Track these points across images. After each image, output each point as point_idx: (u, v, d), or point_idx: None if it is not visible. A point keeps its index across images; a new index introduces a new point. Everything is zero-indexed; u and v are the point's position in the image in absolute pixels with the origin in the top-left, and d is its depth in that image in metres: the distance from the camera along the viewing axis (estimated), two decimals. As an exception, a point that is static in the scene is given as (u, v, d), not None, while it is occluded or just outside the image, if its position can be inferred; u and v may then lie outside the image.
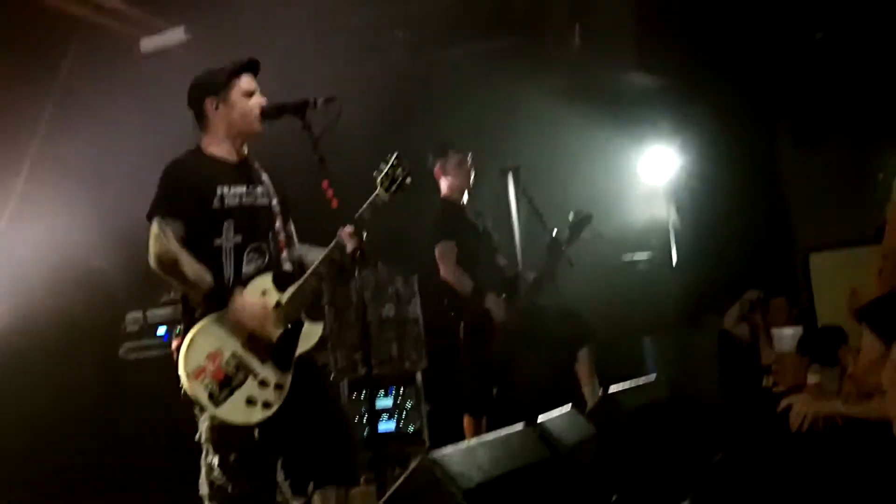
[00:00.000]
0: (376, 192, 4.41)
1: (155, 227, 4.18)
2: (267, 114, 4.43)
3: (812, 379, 5.14)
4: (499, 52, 8.44)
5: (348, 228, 4.28)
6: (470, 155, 6.81)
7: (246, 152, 4.49)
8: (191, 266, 4.15)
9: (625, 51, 8.28)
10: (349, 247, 4.27)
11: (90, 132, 7.71)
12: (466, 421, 6.61)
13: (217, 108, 4.41)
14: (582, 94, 8.31)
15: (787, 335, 5.35)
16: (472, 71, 8.31)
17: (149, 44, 7.76)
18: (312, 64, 7.63)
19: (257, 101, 4.43)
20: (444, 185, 6.82)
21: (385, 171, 4.42)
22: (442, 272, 6.59)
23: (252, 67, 4.49)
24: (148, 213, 4.24)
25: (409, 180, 4.44)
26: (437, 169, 6.81)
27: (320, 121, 4.36)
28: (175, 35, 7.70)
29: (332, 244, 4.32)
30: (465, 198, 6.83)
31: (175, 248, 4.15)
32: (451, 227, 6.65)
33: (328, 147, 4.34)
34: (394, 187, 4.41)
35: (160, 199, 4.25)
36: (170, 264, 4.14)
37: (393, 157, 4.44)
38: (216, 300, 4.18)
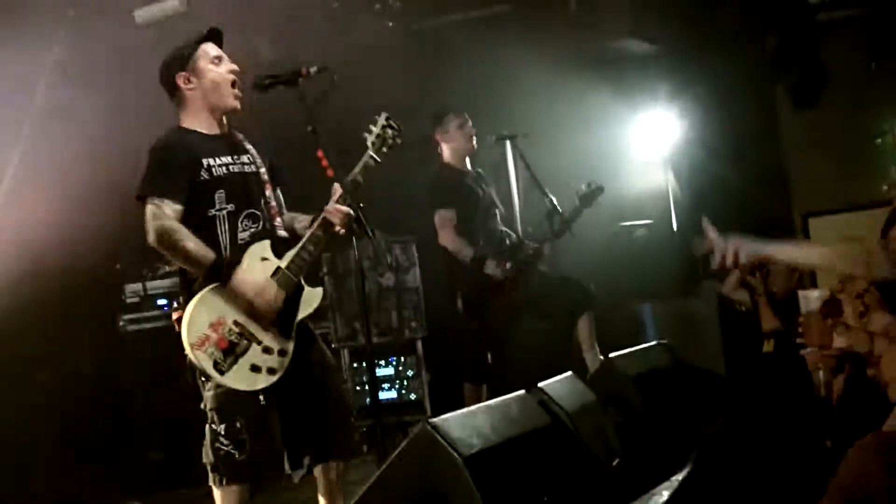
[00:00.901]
0: (367, 153, 4.43)
1: (151, 207, 4.17)
2: (258, 85, 4.43)
3: (838, 342, 5.14)
4: (494, 20, 8.39)
5: (335, 205, 4.30)
6: (469, 119, 6.78)
7: (227, 125, 4.48)
8: (193, 242, 4.15)
9: (621, 17, 8.24)
10: (336, 225, 4.29)
11: (86, 101, 7.69)
12: (467, 388, 6.61)
13: (189, 81, 4.38)
14: (578, 61, 8.27)
15: (813, 296, 5.37)
16: (466, 39, 8.26)
17: (144, 14, 7.72)
18: (307, 31, 7.60)
19: (227, 67, 4.41)
20: (446, 150, 6.78)
21: (375, 132, 4.46)
22: (440, 239, 6.58)
23: (214, 37, 4.47)
24: (139, 194, 4.23)
25: (399, 140, 4.49)
26: (437, 135, 6.78)
27: (313, 90, 4.36)
28: (170, 5, 7.66)
29: (323, 213, 4.33)
30: (468, 163, 6.79)
31: (175, 225, 4.15)
32: (451, 193, 6.63)
33: (321, 116, 4.33)
34: (384, 148, 4.46)
35: (151, 179, 4.24)
36: (171, 242, 4.13)
37: (382, 118, 4.48)
38: (216, 272, 4.17)
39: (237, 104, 4.41)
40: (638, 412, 4.96)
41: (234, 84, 4.40)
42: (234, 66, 4.42)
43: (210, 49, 4.41)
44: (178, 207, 4.19)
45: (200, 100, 4.39)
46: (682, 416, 5.40)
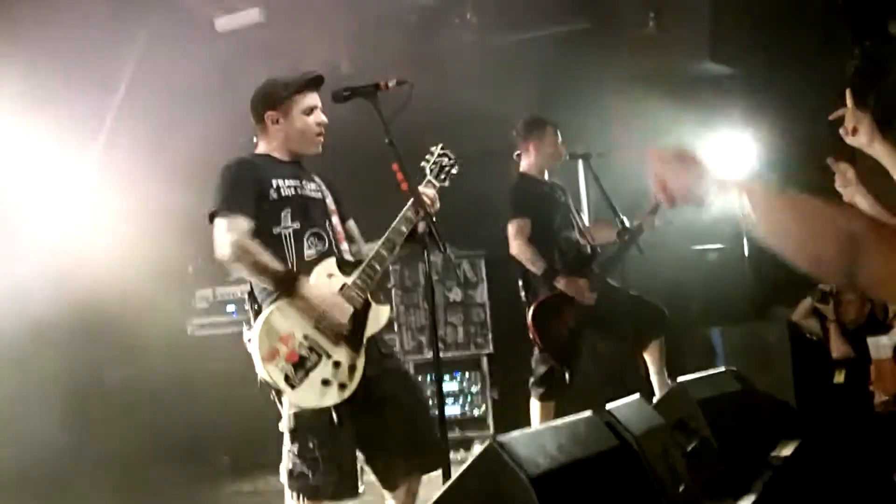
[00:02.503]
0: (426, 179, 4.54)
1: (224, 222, 4.22)
2: (337, 96, 4.44)
3: None
4: (570, 36, 8.37)
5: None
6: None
7: (299, 157, 4.57)
8: (263, 255, 4.19)
9: (698, 39, 8.18)
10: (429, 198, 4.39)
11: (164, 105, 7.80)
12: (533, 404, 6.54)
13: (277, 122, 4.46)
14: (654, 81, 8.22)
15: (883, 343, 5.28)
16: (542, 54, 8.24)
17: (224, 23, 7.83)
18: (384, 45, 7.64)
19: (318, 119, 4.49)
20: (530, 159, 6.67)
21: (431, 161, 4.57)
22: (512, 248, 6.50)
23: (315, 83, 4.53)
24: (212, 211, 4.28)
25: (455, 170, 4.60)
26: (530, 142, 6.69)
27: (391, 103, 4.37)
28: (250, 15, 7.76)
29: (395, 222, 4.36)
30: (546, 174, 6.72)
31: (247, 240, 4.20)
32: (528, 202, 6.55)
33: (397, 129, 4.34)
34: (442, 175, 4.57)
35: (225, 196, 4.28)
36: (244, 256, 4.17)
37: (437, 149, 4.60)
38: (285, 283, 4.20)
39: (317, 151, 4.51)
40: (705, 438, 4.90)
41: (319, 134, 4.47)
42: (324, 119, 4.49)
43: (307, 99, 4.47)
44: (250, 224, 4.25)
45: (282, 139, 4.48)
46: (749, 442, 5.33)
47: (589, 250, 6.61)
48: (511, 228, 6.49)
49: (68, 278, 7.73)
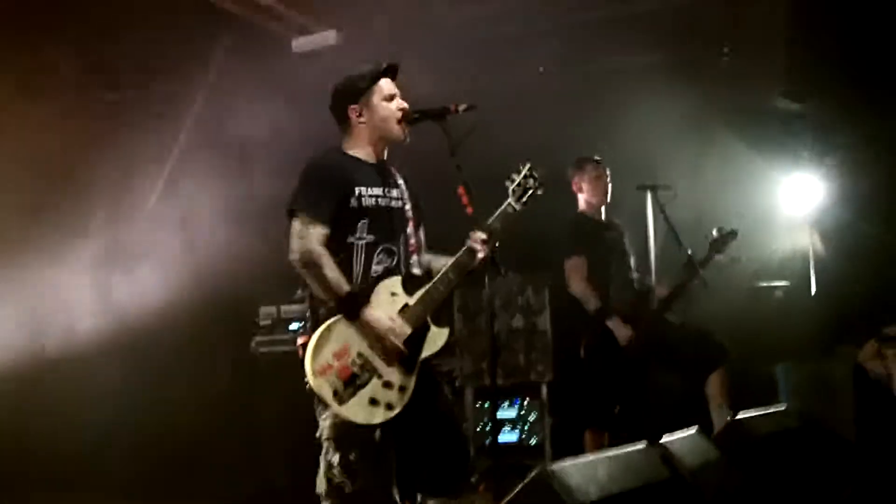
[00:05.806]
0: (507, 201, 4.43)
1: (298, 225, 4.24)
2: (407, 119, 4.47)
3: None
4: (644, 69, 8.37)
5: (479, 234, 4.31)
6: (607, 169, 6.78)
7: (385, 156, 4.55)
8: (332, 271, 4.19)
9: (772, 74, 8.13)
10: (479, 254, 4.30)
11: (236, 126, 7.90)
12: (587, 436, 6.57)
13: (360, 114, 4.47)
14: (726, 115, 8.19)
15: None
16: (617, 85, 8.26)
17: (301, 44, 7.93)
18: (461, 68, 7.69)
19: (398, 104, 4.49)
20: (581, 198, 6.82)
21: (517, 180, 4.45)
22: (569, 286, 6.60)
23: (391, 71, 4.56)
24: (289, 209, 4.30)
25: (540, 191, 4.46)
26: (574, 182, 6.81)
27: (460, 127, 4.39)
28: (327, 37, 7.86)
29: (461, 251, 4.35)
30: (603, 211, 6.80)
31: (319, 249, 4.20)
32: (583, 242, 6.64)
33: (467, 153, 4.35)
34: (525, 198, 4.44)
35: (303, 198, 4.30)
36: (312, 265, 4.19)
37: (525, 168, 4.47)
38: (346, 305, 4.21)
39: (402, 136, 4.49)
40: (763, 474, 4.86)
41: (400, 120, 4.47)
42: (405, 105, 4.50)
43: (385, 86, 4.50)
44: (326, 231, 4.26)
45: (367, 132, 4.48)
46: (807, 480, 5.27)
47: (645, 289, 6.65)
48: (568, 266, 6.59)
49: (134, 290, 7.86)
